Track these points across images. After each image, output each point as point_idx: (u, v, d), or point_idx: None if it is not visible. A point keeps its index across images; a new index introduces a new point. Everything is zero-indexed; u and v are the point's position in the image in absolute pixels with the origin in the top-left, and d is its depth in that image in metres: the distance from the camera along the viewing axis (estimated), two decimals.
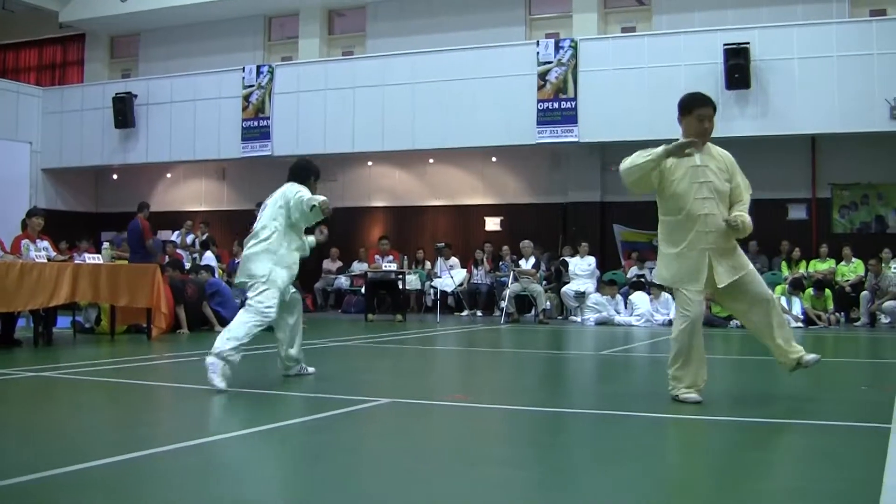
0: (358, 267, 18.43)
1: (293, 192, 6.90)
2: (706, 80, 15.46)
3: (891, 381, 7.13)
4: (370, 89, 18.26)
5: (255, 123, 19.23)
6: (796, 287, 14.56)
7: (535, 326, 14.71)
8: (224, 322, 12.66)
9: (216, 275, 14.46)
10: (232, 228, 19.79)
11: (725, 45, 15.49)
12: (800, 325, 13.86)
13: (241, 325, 6.64)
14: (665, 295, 14.75)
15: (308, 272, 15.34)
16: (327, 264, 19.23)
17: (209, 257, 16.88)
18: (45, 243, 10.74)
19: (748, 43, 15.45)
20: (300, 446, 4.78)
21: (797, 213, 17.12)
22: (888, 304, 14.42)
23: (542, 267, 16.42)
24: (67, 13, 22.04)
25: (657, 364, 8.94)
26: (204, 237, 18.14)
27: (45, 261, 10.04)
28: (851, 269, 15.57)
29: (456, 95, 17.51)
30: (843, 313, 15.12)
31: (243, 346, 6.60)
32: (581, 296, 15.78)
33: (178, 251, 16.93)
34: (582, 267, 16.44)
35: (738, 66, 15.38)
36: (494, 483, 3.87)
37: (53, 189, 21.90)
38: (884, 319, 14.72)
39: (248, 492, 3.70)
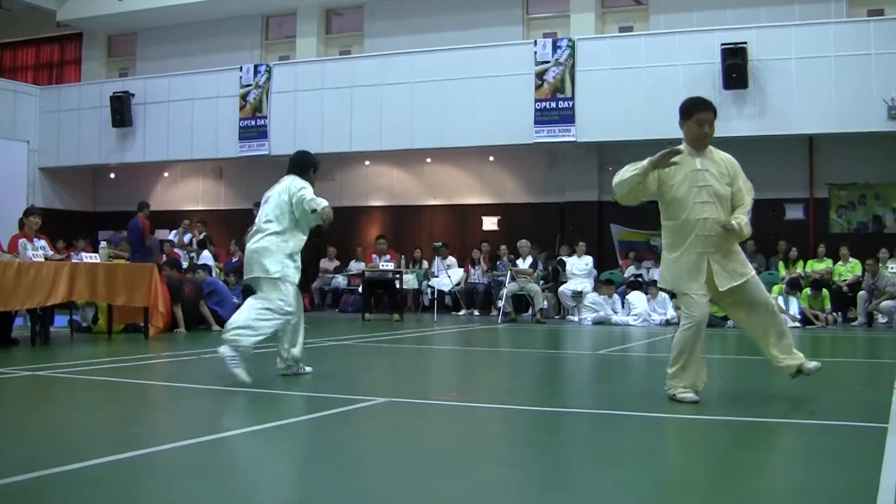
0: (355, 266, 18.41)
1: (296, 188, 6.91)
2: (703, 79, 15.48)
3: (888, 380, 7.13)
4: (368, 89, 18.25)
5: (253, 123, 19.21)
6: (793, 287, 14.58)
7: (533, 326, 14.71)
8: (221, 321, 12.68)
9: (213, 274, 14.46)
10: (229, 228, 19.82)
11: (723, 44, 15.49)
12: (797, 324, 13.87)
13: (261, 323, 6.69)
14: (662, 295, 14.77)
15: (305, 271, 15.32)
16: (325, 263, 19.23)
17: (206, 256, 16.87)
18: (43, 242, 10.73)
19: (746, 43, 15.45)
20: (298, 445, 4.78)
21: (794, 212, 17.14)
22: (885, 303, 14.44)
23: (540, 266, 16.43)
24: (65, 12, 22.01)
25: (654, 364, 8.95)
26: (201, 236, 18.13)
27: (43, 260, 10.03)
28: (849, 269, 15.59)
29: (453, 95, 17.50)
30: (840, 313, 15.13)
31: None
32: (578, 295, 15.79)
33: (176, 250, 16.92)
34: (579, 266, 16.44)
35: (735, 66, 15.38)
36: (492, 482, 3.87)
37: (51, 188, 21.88)
38: (881, 319, 14.74)
39: (245, 491, 3.70)
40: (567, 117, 16.64)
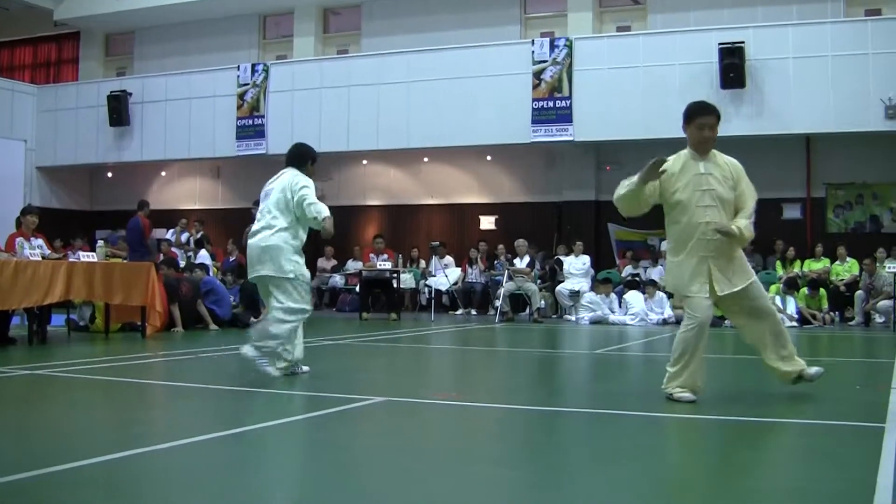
0: (353, 265, 18.41)
1: (298, 186, 6.91)
2: (701, 79, 15.50)
3: (885, 380, 7.14)
4: (365, 88, 18.24)
5: (250, 122, 19.20)
6: (791, 286, 14.58)
7: (530, 325, 14.71)
8: (218, 320, 12.69)
9: (211, 273, 14.45)
10: (227, 227, 19.80)
11: (720, 44, 15.49)
12: (794, 324, 13.87)
13: (283, 327, 6.80)
14: (659, 294, 14.78)
15: None
16: (322, 263, 19.22)
17: (204, 256, 16.87)
18: (40, 241, 10.72)
19: (743, 42, 15.46)
20: (295, 445, 4.78)
21: (792, 212, 17.14)
22: (882, 303, 14.45)
23: (537, 266, 16.42)
24: (62, 11, 21.99)
25: (652, 363, 8.96)
26: (198, 235, 18.13)
27: (40, 259, 10.01)
28: (846, 269, 15.60)
29: (451, 94, 17.50)
30: (837, 313, 15.14)
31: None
32: (576, 295, 15.78)
33: (173, 249, 16.92)
34: (576, 266, 16.44)
35: (732, 66, 15.38)
36: (489, 482, 3.87)
37: (48, 187, 21.86)
38: (878, 319, 14.75)
39: (242, 490, 3.69)
40: (564, 117, 16.64)
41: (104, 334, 11.33)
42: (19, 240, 10.51)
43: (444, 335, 12.71)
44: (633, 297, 14.93)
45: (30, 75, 23.88)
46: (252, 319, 12.66)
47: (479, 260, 17.70)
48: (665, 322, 14.43)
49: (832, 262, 15.84)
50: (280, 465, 4.23)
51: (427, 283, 17.89)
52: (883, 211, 16.68)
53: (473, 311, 17.27)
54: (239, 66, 19.53)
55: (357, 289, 17.06)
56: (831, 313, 14.88)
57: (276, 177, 7.19)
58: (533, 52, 17.02)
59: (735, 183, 5.89)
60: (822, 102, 15.13)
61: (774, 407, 5.88)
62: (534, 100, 16.84)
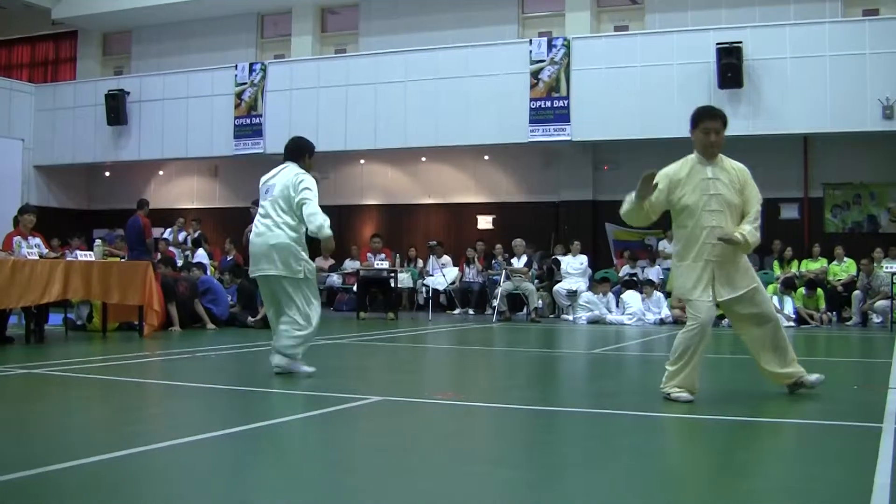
0: (350, 265, 18.39)
1: (300, 187, 6.91)
2: (699, 79, 15.52)
3: (882, 380, 7.15)
4: (363, 87, 18.24)
5: (248, 121, 19.20)
6: (788, 286, 14.59)
7: (527, 325, 14.71)
8: (216, 319, 12.68)
9: (208, 272, 14.44)
10: (224, 226, 19.79)
11: (718, 44, 15.51)
12: (791, 324, 13.89)
13: (299, 333, 6.93)
14: (657, 294, 14.79)
15: None
16: (319, 262, 19.15)
17: (201, 255, 16.86)
18: (37, 240, 10.71)
19: (741, 42, 15.47)
20: (293, 444, 4.77)
21: (789, 212, 17.15)
22: (880, 303, 14.47)
23: (535, 265, 16.43)
24: (60, 10, 21.97)
25: (649, 363, 8.97)
26: (196, 235, 18.12)
27: (37, 258, 9.99)
28: (843, 269, 15.61)
29: (448, 94, 17.51)
30: (834, 313, 15.15)
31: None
32: (573, 294, 15.79)
33: (170, 249, 16.91)
34: (574, 265, 16.44)
35: (730, 66, 15.39)
36: (486, 481, 3.87)
37: (45, 186, 21.86)
38: (875, 319, 14.77)
39: (240, 489, 3.69)
40: (562, 116, 16.65)
41: (101, 333, 11.31)
42: (17, 239, 10.50)
43: (441, 335, 12.71)
44: (631, 297, 14.93)
45: (27, 74, 23.87)
46: (250, 319, 12.67)
47: (476, 259, 17.69)
48: (662, 322, 14.43)
49: (829, 262, 15.85)
50: (277, 465, 4.23)
51: (424, 282, 17.88)
52: (880, 211, 16.70)
53: (471, 311, 17.27)
54: (237, 66, 19.53)
55: (354, 288, 17.04)
56: (828, 313, 14.90)
57: (275, 172, 7.18)
58: (530, 51, 17.03)
59: (742, 187, 5.89)
60: (819, 102, 15.15)
61: (772, 407, 5.89)
62: (531, 99, 16.85)
